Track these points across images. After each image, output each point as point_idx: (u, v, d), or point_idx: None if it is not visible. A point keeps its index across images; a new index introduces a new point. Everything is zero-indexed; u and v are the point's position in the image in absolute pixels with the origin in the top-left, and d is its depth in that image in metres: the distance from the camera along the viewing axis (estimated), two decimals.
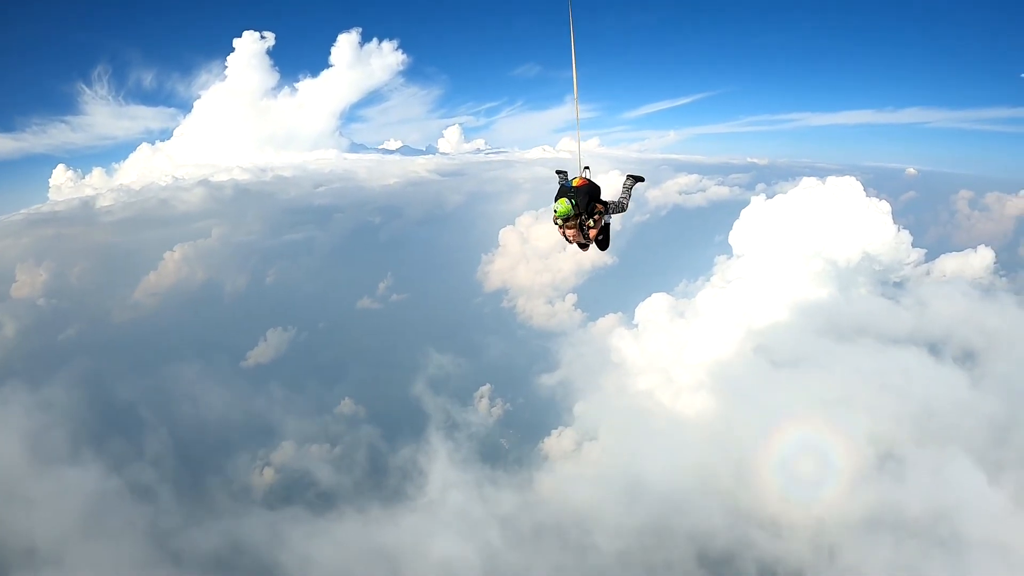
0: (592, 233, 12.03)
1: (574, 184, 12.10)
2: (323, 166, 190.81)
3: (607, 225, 12.33)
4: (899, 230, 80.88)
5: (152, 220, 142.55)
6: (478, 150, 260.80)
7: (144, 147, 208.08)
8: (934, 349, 66.12)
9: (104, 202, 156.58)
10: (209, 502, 66.68)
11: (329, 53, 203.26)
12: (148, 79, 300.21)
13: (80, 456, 64.79)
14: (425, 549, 54.51)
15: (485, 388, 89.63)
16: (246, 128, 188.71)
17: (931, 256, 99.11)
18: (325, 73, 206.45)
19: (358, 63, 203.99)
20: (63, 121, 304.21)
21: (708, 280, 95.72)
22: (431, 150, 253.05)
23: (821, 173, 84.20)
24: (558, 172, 13.36)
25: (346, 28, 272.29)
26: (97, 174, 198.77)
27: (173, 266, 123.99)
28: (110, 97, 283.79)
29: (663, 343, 76.59)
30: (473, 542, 54.85)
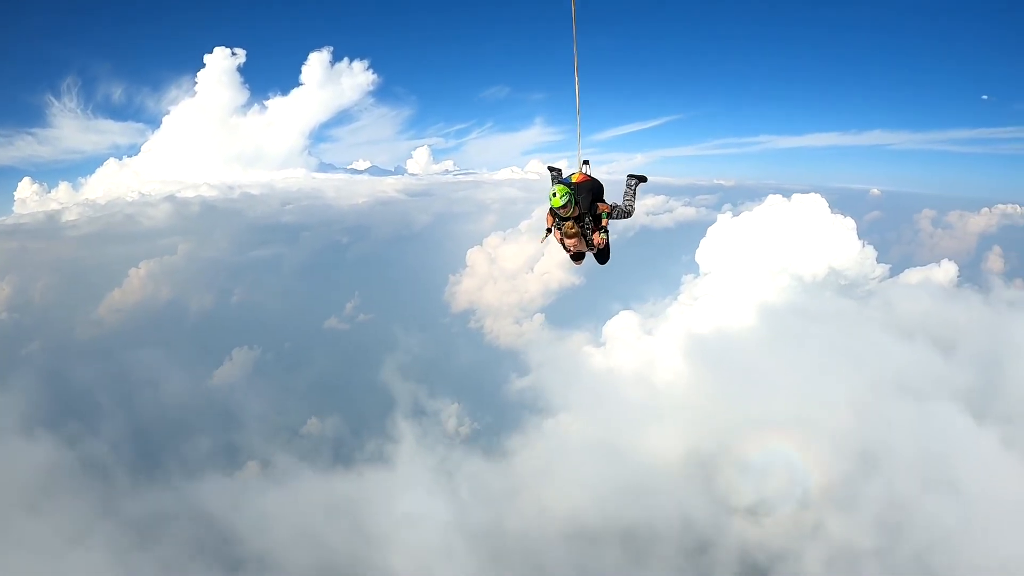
0: (598, 239, 10.23)
1: (573, 180, 10.38)
2: (291, 185, 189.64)
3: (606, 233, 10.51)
4: (864, 246, 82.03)
5: (118, 236, 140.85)
6: (447, 171, 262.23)
7: (111, 162, 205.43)
8: (907, 334, 66.69)
9: (69, 216, 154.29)
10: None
11: (300, 71, 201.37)
12: (117, 93, 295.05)
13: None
14: (390, 505, 53.97)
15: (453, 407, 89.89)
16: (214, 145, 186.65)
17: (895, 272, 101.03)
18: (295, 91, 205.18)
19: (328, 82, 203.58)
20: (30, 133, 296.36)
21: (676, 299, 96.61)
22: (400, 171, 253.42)
23: (787, 193, 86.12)
24: (550, 168, 11.84)
25: (317, 47, 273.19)
26: (63, 188, 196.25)
27: (138, 283, 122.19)
28: (78, 110, 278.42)
29: (630, 359, 76.85)
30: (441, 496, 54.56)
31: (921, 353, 61.46)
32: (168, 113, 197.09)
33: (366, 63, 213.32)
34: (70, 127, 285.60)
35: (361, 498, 56.56)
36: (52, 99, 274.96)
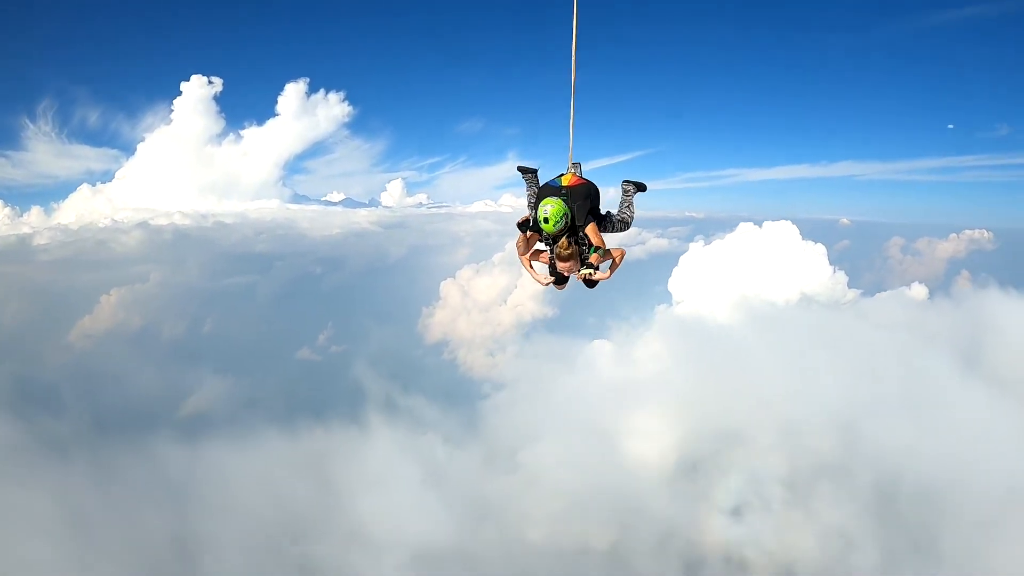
0: (595, 259, 8.29)
1: (563, 184, 8.26)
2: (265, 215, 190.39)
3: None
4: (835, 271, 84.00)
5: (89, 262, 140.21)
6: (421, 204, 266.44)
7: (84, 188, 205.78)
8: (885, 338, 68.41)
9: (41, 240, 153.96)
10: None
11: (276, 102, 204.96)
12: (93, 118, 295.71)
13: None
14: (361, 463, 53.04)
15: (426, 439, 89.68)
16: (189, 173, 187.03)
17: (866, 296, 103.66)
18: (271, 122, 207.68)
19: (304, 113, 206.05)
20: (3, 156, 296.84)
21: (649, 328, 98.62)
22: (374, 203, 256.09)
23: (758, 223, 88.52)
24: (522, 169, 9.05)
25: (294, 77, 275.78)
26: (35, 212, 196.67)
27: (110, 309, 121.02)
28: (53, 134, 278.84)
29: (605, 387, 77.25)
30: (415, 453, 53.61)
31: (901, 355, 62.87)
32: (143, 140, 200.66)
33: (342, 95, 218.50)
34: (44, 151, 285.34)
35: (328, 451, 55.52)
36: (27, 122, 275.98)
